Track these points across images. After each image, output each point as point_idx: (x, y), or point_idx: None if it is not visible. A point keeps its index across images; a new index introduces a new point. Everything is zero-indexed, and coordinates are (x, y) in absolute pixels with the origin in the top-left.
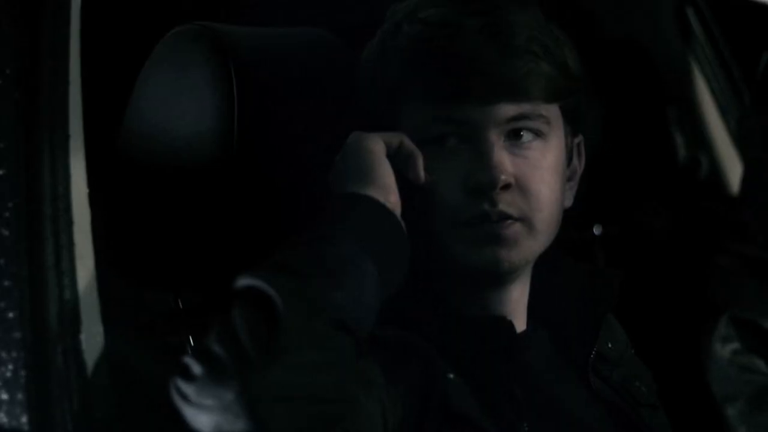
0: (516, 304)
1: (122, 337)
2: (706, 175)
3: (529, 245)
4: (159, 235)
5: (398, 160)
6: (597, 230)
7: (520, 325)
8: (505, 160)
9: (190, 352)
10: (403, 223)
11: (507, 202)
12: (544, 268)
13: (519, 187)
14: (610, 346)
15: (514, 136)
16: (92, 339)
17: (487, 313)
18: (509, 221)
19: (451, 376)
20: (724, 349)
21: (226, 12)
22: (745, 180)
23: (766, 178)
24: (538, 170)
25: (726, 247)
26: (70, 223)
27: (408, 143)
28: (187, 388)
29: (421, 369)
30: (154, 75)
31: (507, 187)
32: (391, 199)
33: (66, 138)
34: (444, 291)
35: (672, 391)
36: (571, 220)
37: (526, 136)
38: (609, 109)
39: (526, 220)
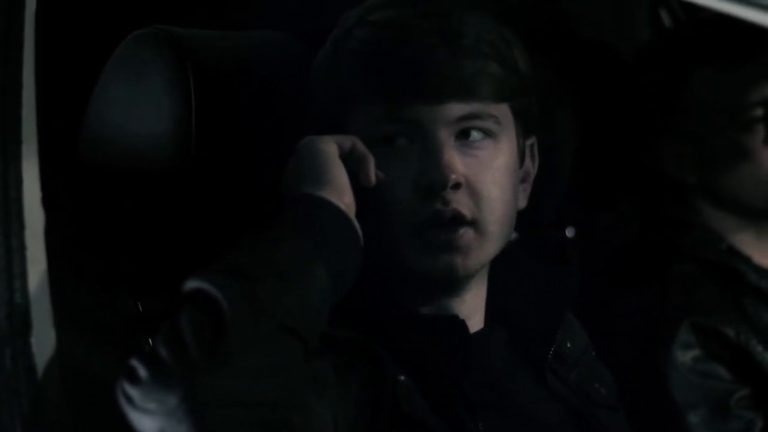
0: (471, 304)
1: (76, 342)
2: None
3: (483, 250)
4: (118, 238)
5: (350, 162)
6: (569, 233)
7: (477, 324)
8: (455, 159)
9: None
10: (356, 224)
11: (458, 202)
12: (502, 267)
13: (469, 187)
14: (569, 345)
15: (464, 136)
16: (43, 343)
17: (439, 313)
18: (463, 230)
19: (402, 378)
20: (685, 356)
21: (187, 15)
22: None
23: None
24: (489, 170)
25: (687, 253)
26: (21, 227)
27: (360, 146)
28: (133, 392)
29: (372, 371)
30: (114, 78)
31: (457, 186)
32: (345, 199)
33: (18, 142)
34: (397, 292)
35: (634, 398)
36: (544, 221)
37: (477, 135)
38: (581, 112)
39: (477, 224)
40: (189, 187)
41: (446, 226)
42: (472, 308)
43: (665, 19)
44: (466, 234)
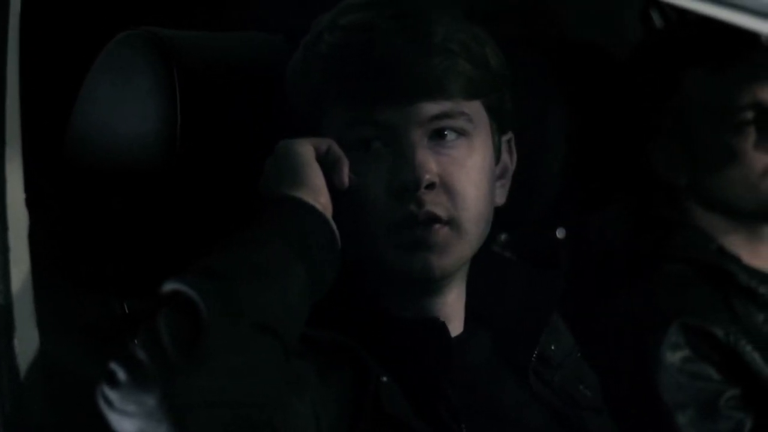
0: (451, 306)
1: (59, 343)
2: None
3: (459, 249)
4: (103, 239)
5: (326, 164)
6: (560, 234)
7: (457, 327)
8: (428, 159)
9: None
10: (333, 225)
11: (433, 203)
12: (483, 268)
13: (444, 186)
14: (553, 348)
15: (437, 136)
16: (26, 344)
17: (420, 315)
18: (438, 226)
19: (384, 379)
20: (674, 356)
21: (180, 16)
22: None
23: None
24: (464, 168)
25: (678, 254)
26: (5, 228)
27: (336, 148)
28: (112, 394)
29: (354, 372)
30: (100, 79)
31: (431, 186)
32: (321, 200)
33: (2, 143)
34: (377, 294)
35: (622, 399)
36: (534, 222)
37: (450, 135)
38: (572, 112)
39: (453, 222)
40: (174, 188)
41: (420, 225)
42: (453, 310)
43: (656, 19)
44: (442, 231)
